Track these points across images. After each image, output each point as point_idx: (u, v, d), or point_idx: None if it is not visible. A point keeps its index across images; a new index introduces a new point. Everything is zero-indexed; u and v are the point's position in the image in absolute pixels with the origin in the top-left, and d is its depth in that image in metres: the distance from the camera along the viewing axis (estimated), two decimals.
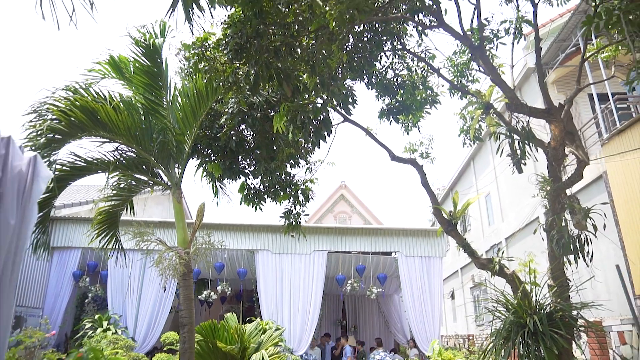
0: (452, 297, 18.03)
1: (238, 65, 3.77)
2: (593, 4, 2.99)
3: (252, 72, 3.64)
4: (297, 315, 9.85)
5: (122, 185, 5.69)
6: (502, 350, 5.08)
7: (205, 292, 10.49)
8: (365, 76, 5.64)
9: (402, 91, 6.05)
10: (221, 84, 3.87)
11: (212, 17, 3.59)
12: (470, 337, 11.28)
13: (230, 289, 10.45)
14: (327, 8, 3.21)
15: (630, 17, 2.72)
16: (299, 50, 3.49)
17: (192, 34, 3.10)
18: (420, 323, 10.02)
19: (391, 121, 6.21)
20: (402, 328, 12.59)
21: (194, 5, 2.98)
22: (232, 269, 11.10)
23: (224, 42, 3.56)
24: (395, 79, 6.03)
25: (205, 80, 4.10)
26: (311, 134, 3.85)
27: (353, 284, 10.15)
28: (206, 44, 3.84)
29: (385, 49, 5.62)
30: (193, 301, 5.14)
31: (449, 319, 18.21)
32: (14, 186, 1.60)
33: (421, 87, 6.08)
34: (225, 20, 3.75)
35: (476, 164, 15.56)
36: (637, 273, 6.96)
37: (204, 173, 6.01)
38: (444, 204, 18.80)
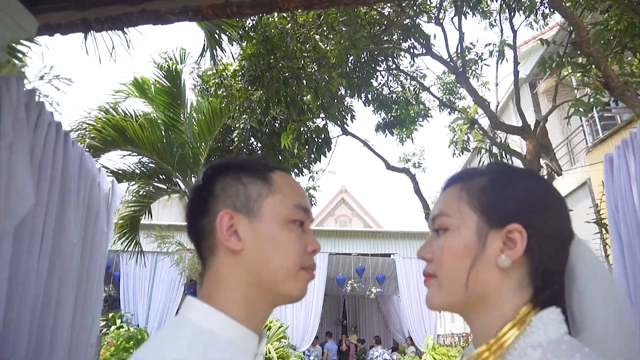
0: None
1: (252, 91, 4.44)
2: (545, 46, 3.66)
3: (264, 98, 4.32)
4: (299, 313, 10.49)
5: (142, 193, 6.35)
6: None
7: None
8: (362, 94, 6.30)
9: (396, 106, 6.71)
10: (237, 107, 4.54)
11: (230, 52, 4.21)
12: (464, 335, 11.92)
13: None
14: (328, 47, 3.88)
15: (573, 60, 3.40)
16: (304, 80, 4.14)
17: (215, 70, 3.77)
18: (417, 321, 10.66)
19: (387, 134, 6.87)
20: (400, 328, 13.22)
21: (217, 48, 3.67)
22: None
23: (240, 73, 4.23)
24: (390, 96, 6.69)
25: (223, 105, 4.76)
26: (314, 150, 4.51)
27: (353, 284, 10.79)
28: (224, 74, 4.50)
29: (381, 69, 6.29)
30: None
31: (447, 319, 18.83)
32: (103, 203, 2.25)
33: (414, 102, 6.74)
34: (240, 53, 4.42)
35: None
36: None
37: None
38: None
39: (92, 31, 2.10)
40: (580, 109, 2.94)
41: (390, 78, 6.66)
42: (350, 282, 10.75)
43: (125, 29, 2.48)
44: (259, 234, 0.62)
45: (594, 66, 3.39)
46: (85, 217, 2.02)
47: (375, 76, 6.23)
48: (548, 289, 0.58)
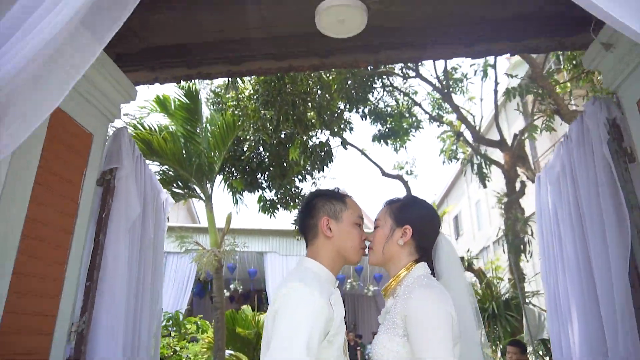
0: None
1: (263, 112, 5.23)
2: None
3: (275, 117, 5.10)
4: None
5: None
6: None
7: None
8: (360, 109, 7.08)
9: (391, 119, 7.49)
10: (251, 124, 5.33)
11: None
12: None
13: (241, 287, 11.87)
14: (330, 77, 4.67)
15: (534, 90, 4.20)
16: (309, 102, 4.91)
17: (234, 94, 4.55)
18: None
19: (382, 144, 7.66)
20: None
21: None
22: (243, 270, 12.52)
23: (255, 96, 5.01)
24: (385, 110, 7.48)
25: (239, 122, 5.56)
26: (317, 162, 5.30)
27: (352, 282, 11.56)
28: (240, 96, 5.28)
29: (377, 86, 7.07)
30: (223, 290, 6.58)
31: None
32: (161, 210, 3.01)
33: (407, 115, 7.53)
34: (254, 79, 5.21)
35: (467, 174, 17.01)
36: None
37: (228, 187, 7.46)
38: (440, 208, 20.27)
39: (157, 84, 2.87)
40: (533, 133, 3.73)
41: (385, 94, 7.44)
42: (349, 280, 11.52)
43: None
44: (341, 230, 1.35)
45: (548, 96, 4.19)
46: (155, 218, 2.79)
47: (371, 92, 7.02)
48: (424, 255, 1.36)
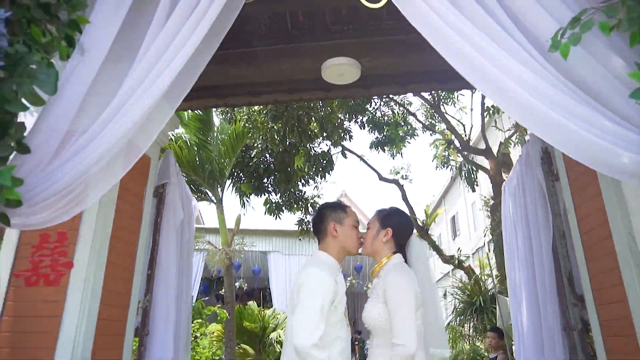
0: (445, 296, 20.06)
1: (272, 125, 5.85)
2: None
3: (282, 130, 5.72)
4: None
5: None
6: (457, 321, 7.16)
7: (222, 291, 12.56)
8: (359, 118, 7.71)
9: (387, 128, 8.11)
10: (260, 135, 5.95)
11: None
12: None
13: (246, 285, 12.50)
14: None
15: None
16: (313, 117, 5.52)
17: (245, 108, 5.15)
18: None
19: (379, 150, 8.28)
20: None
21: None
22: (247, 268, 13.15)
23: (264, 111, 5.63)
24: (382, 119, 8.09)
25: (250, 134, 6.18)
26: (320, 170, 5.92)
27: (352, 280, 12.19)
28: (251, 110, 5.90)
29: (374, 97, 7.69)
30: (233, 285, 7.21)
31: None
32: (192, 215, 3.63)
33: (402, 124, 8.15)
34: None
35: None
36: None
37: (236, 191, 8.08)
38: (438, 208, 20.90)
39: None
40: (508, 146, 4.34)
41: (382, 105, 8.06)
42: (349, 278, 12.14)
43: None
44: (343, 231, 1.98)
45: None
46: (188, 222, 3.41)
47: (369, 103, 7.64)
48: (399, 249, 1.99)
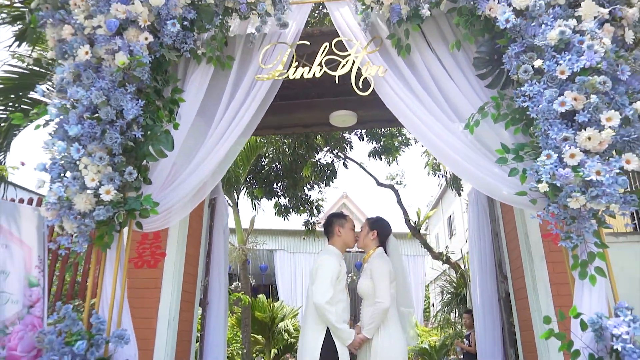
0: (442, 294, 21.17)
1: (283, 140, 6.93)
2: None
3: (292, 144, 6.81)
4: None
5: None
6: (445, 310, 8.26)
7: (235, 284, 13.65)
8: (358, 131, 8.77)
9: (384, 138, 9.18)
10: (273, 149, 7.03)
11: None
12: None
13: (254, 281, 13.59)
14: None
15: None
16: (319, 134, 6.57)
17: None
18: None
19: (377, 158, 9.34)
20: None
21: None
22: (254, 265, 14.25)
23: None
24: (379, 130, 9.16)
25: (264, 148, 7.27)
26: (324, 179, 7.01)
27: (353, 277, 13.28)
28: None
29: None
30: (249, 278, 8.30)
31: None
32: (227, 219, 4.71)
33: (397, 135, 9.21)
34: None
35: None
36: None
37: (248, 195, 9.17)
38: (436, 208, 22.01)
39: None
40: None
41: None
42: (349, 275, 13.21)
43: None
44: (345, 232, 3.15)
45: None
46: (223, 223, 4.49)
47: None
48: (382, 244, 3.11)
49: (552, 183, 2.11)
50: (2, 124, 4.65)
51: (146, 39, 2.65)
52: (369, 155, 9.41)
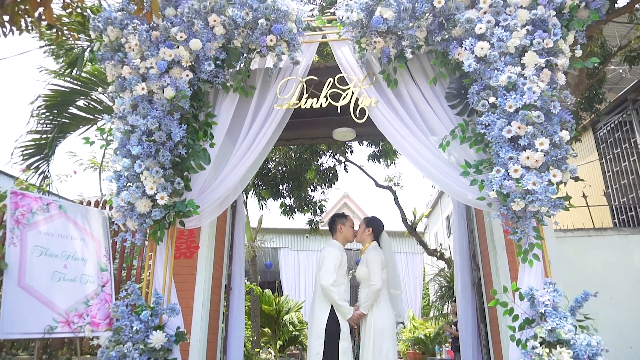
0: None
1: (289, 146, 7.66)
2: None
3: (297, 149, 7.54)
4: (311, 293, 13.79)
5: None
6: (439, 303, 8.99)
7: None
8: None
9: (382, 142, 9.89)
10: (280, 155, 7.76)
11: None
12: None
13: (259, 277, 14.32)
14: None
15: None
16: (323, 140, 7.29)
17: None
18: (405, 304, 13.91)
19: (376, 161, 10.07)
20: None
21: None
22: (260, 263, 15.00)
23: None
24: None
25: (272, 153, 7.99)
26: (327, 181, 7.75)
27: (353, 273, 14.00)
28: None
29: None
30: (257, 273, 9.05)
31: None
32: (243, 220, 5.43)
33: None
34: None
35: None
36: None
37: (256, 195, 9.91)
38: (435, 208, 22.71)
39: None
40: None
41: None
42: (350, 271, 13.92)
43: None
44: (345, 229, 3.94)
45: None
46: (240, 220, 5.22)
47: None
48: (376, 239, 3.86)
49: (501, 191, 2.83)
50: (48, 135, 5.39)
51: (187, 75, 3.38)
52: (369, 159, 10.13)
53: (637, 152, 8.03)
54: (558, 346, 2.46)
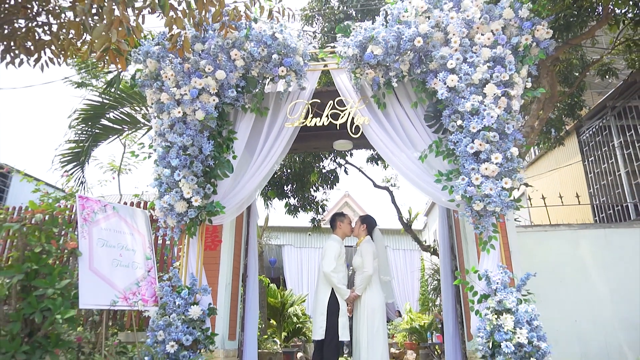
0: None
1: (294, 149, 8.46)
2: None
3: (301, 154, 8.35)
4: (314, 287, 14.60)
5: None
6: (432, 295, 9.80)
7: None
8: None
9: None
10: (286, 159, 8.58)
11: None
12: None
13: (264, 274, 15.16)
14: None
15: None
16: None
17: None
18: (403, 298, 14.71)
19: (374, 163, 10.87)
20: (392, 304, 17.32)
21: None
22: (264, 260, 15.83)
23: None
24: None
25: None
26: (328, 183, 8.57)
27: (353, 270, 14.82)
28: None
29: None
30: (263, 268, 9.88)
31: None
32: (257, 217, 6.24)
33: None
34: None
35: None
36: None
37: (261, 195, 10.74)
38: (434, 207, 23.46)
39: None
40: None
41: None
42: (351, 267, 14.74)
43: None
44: (344, 225, 4.84)
45: None
46: (257, 219, 6.03)
47: None
48: (369, 234, 4.69)
49: (465, 195, 3.64)
50: (84, 145, 6.22)
51: (214, 100, 4.19)
52: (367, 161, 10.95)
53: (614, 154, 8.81)
54: (504, 313, 3.27)
